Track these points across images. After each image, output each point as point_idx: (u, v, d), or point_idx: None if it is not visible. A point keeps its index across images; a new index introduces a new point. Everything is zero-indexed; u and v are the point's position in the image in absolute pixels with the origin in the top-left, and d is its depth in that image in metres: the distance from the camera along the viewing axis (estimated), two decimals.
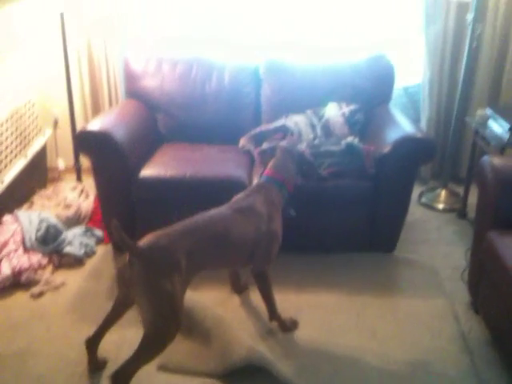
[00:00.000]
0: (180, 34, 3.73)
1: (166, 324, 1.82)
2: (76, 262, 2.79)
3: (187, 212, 2.10)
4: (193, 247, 1.93)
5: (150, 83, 3.30)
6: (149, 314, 1.81)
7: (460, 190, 3.51)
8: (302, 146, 2.84)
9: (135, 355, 1.81)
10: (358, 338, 2.27)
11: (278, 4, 3.65)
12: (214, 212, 2.15)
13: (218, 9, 3.67)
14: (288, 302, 2.45)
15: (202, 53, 3.46)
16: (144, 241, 1.89)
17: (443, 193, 3.58)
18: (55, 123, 3.77)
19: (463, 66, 3.34)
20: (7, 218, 2.86)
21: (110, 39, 3.54)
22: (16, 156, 3.15)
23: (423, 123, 3.74)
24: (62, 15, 3.31)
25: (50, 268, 2.72)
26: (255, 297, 2.46)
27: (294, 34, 3.68)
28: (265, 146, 3.02)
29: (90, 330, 2.04)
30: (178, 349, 2.12)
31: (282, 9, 3.65)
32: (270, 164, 2.43)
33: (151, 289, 1.80)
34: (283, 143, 2.56)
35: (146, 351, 1.83)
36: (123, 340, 2.19)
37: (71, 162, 3.66)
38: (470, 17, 3.20)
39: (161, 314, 1.81)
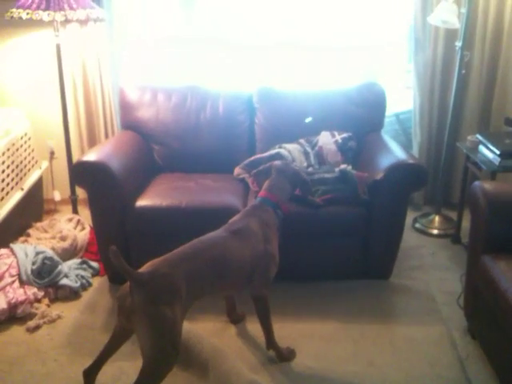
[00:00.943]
0: (180, 34, 3.78)
1: (166, 352, 1.81)
2: (72, 294, 2.79)
3: (183, 241, 2.11)
4: (192, 272, 1.94)
5: (145, 114, 3.34)
6: (149, 342, 1.80)
7: (453, 214, 3.52)
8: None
9: None
10: (356, 366, 2.27)
11: (276, 4, 3.70)
12: (210, 235, 2.18)
13: (218, 9, 3.72)
14: (285, 331, 2.44)
15: (197, 80, 3.53)
16: (144, 268, 1.90)
17: (437, 218, 3.60)
18: (51, 155, 3.80)
19: (453, 92, 3.39)
20: (3, 251, 2.86)
21: (105, 69, 3.58)
22: (12, 189, 3.16)
23: (415, 149, 3.77)
24: (58, 46, 3.31)
25: (46, 301, 2.71)
26: (252, 327, 2.46)
27: (292, 35, 3.75)
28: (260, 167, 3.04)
29: (86, 364, 2.02)
30: (176, 382, 2.11)
31: (281, 9, 3.71)
32: (265, 185, 2.45)
33: (152, 316, 1.80)
34: (277, 162, 2.57)
35: (146, 381, 1.82)
36: (120, 372, 2.18)
37: (67, 193, 3.67)
38: (458, 44, 3.27)
39: (161, 341, 1.80)
